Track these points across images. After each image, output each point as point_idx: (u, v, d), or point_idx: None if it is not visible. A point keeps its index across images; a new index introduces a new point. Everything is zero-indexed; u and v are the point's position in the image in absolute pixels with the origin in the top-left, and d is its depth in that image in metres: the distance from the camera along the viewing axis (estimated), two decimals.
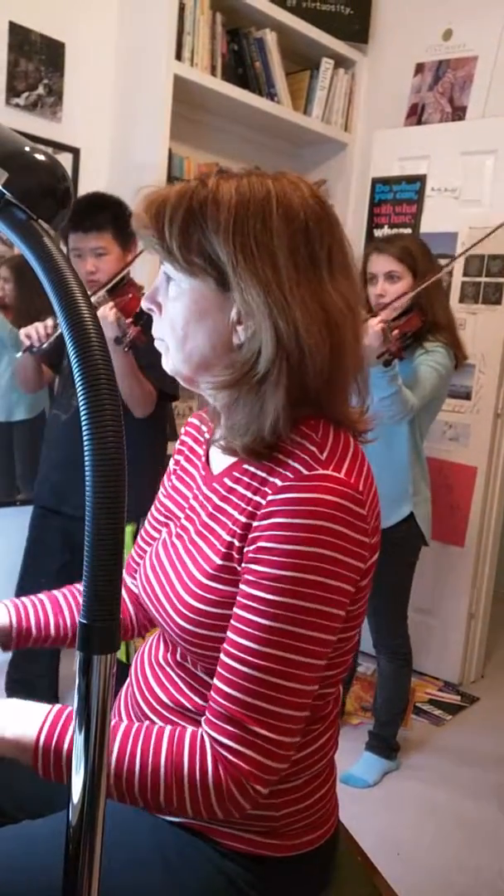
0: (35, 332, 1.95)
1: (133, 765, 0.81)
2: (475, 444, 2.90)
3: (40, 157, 0.58)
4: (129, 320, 1.87)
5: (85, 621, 0.53)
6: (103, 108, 2.70)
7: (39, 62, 2.49)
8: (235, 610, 0.84)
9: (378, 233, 3.10)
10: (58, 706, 0.86)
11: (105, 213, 2.02)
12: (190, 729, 0.85)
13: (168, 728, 0.85)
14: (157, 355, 0.94)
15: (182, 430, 1.11)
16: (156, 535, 1.07)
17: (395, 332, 2.02)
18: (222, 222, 0.81)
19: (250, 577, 0.83)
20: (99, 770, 0.58)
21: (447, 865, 1.96)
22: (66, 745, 0.81)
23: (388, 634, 2.32)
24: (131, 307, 1.91)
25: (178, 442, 1.10)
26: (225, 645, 0.84)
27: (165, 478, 1.09)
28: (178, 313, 0.88)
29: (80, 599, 0.54)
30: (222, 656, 0.84)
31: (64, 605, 1.09)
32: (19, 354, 2.04)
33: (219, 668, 0.84)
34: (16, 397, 2.64)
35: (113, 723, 0.85)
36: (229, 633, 0.84)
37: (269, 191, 0.83)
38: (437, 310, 2.19)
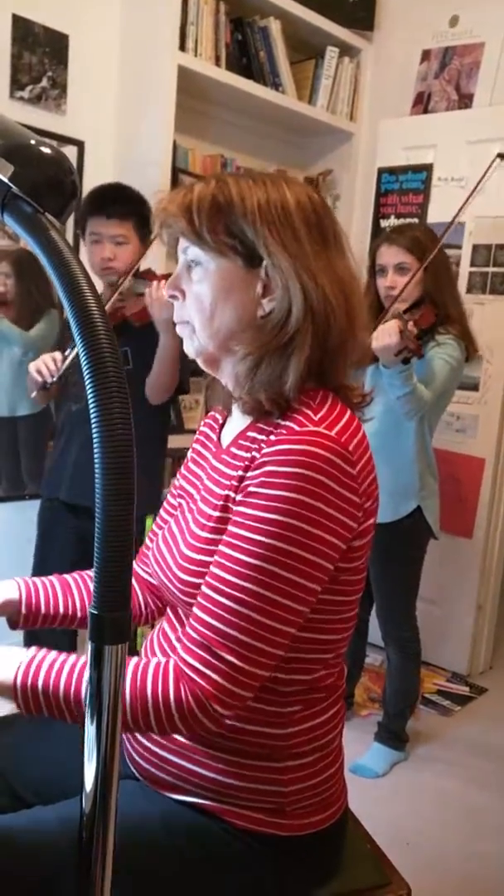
0: (45, 367, 1.93)
1: None
2: (483, 435, 2.89)
3: (46, 150, 0.58)
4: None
5: (96, 611, 0.54)
6: (107, 101, 2.70)
7: (43, 55, 2.49)
8: (220, 547, 0.89)
9: (384, 223, 3.08)
10: (34, 651, 0.91)
11: (130, 204, 2.04)
12: (155, 659, 0.90)
13: (133, 660, 0.89)
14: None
15: (202, 423, 1.17)
16: (168, 518, 1.11)
17: (412, 327, 2.00)
18: (248, 208, 0.92)
19: (237, 519, 0.89)
20: (111, 758, 0.59)
21: (456, 855, 1.97)
22: (39, 683, 0.87)
23: (396, 626, 2.32)
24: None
25: (197, 432, 1.16)
26: (207, 577, 0.89)
27: (182, 466, 1.15)
28: (205, 293, 0.96)
29: (91, 584, 0.55)
30: (203, 588, 0.89)
31: (73, 586, 1.13)
32: (34, 394, 1.99)
33: (199, 598, 0.89)
34: (19, 392, 2.64)
35: (73, 658, 0.90)
36: (212, 568, 0.89)
37: (282, 186, 0.95)
38: (449, 302, 2.18)
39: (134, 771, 1.01)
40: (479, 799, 2.22)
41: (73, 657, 0.90)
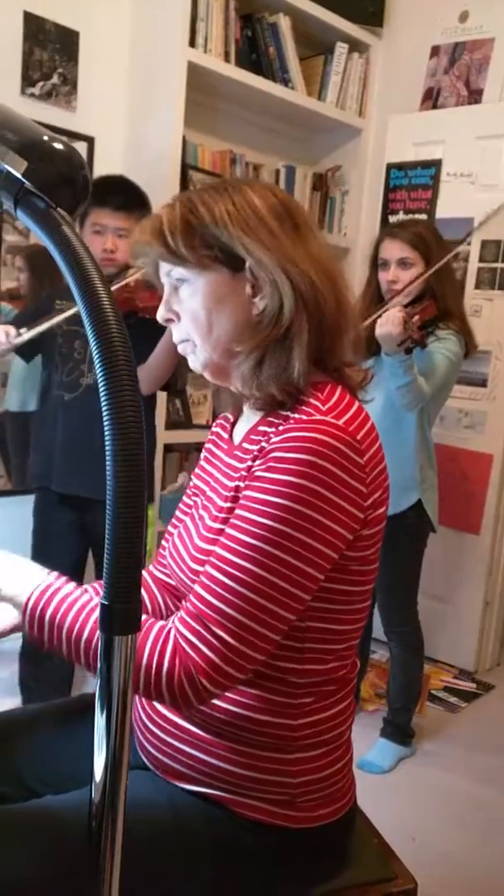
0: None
1: (93, 634, 0.88)
2: (491, 431, 2.89)
3: (59, 146, 0.59)
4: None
5: (106, 602, 0.54)
6: (117, 97, 2.70)
7: (54, 51, 2.49)
8: (226, 528, 0.91)
9: (393, 218, 3.08)
10: (53, 577, 0.96)
11: (135, 198, 2.03)
12: (160, 622, 0.92)
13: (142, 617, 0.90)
14: None
15: (213, 425, 1.18)
16: (184, 517, 1.12)
17: (416, 318, 2.01)
18: (218, 216, 0.93)
19: (243, 502, 0.90)
20: (120, 747, 0.60)
21: (462, 851, 1.98)
22: (49, 611, 0.91)
23: (397, 621, 2.33)
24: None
25: (210, 433, 1.17)
26: (211, 557, 0.91)
27: (197, 467, 1.16)
28: (198, 308, 0.97)
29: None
30: (206, 567, 0.91)
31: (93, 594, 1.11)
32: None
33: (201, 576, 0.91)
34: (30, 387, 2.65)
35: (86, 597, 0.92)
36: (216, 548, 0.91)
37: (245, 189, 0.97)
38: (449, 298, 2.18)
39: (144, 759, 1.02)
40: (485, 795, 2.22)
41: (86, 596, 0.92)
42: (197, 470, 1.16)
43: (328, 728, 0.98)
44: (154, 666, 0.87)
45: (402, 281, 2.14)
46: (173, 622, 0.90)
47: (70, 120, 2.56)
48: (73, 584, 0.95)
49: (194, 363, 1.02)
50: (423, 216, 2.99)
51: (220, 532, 0.93)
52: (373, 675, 2.75)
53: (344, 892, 0.99)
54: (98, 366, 0.52)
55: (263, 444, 0.94)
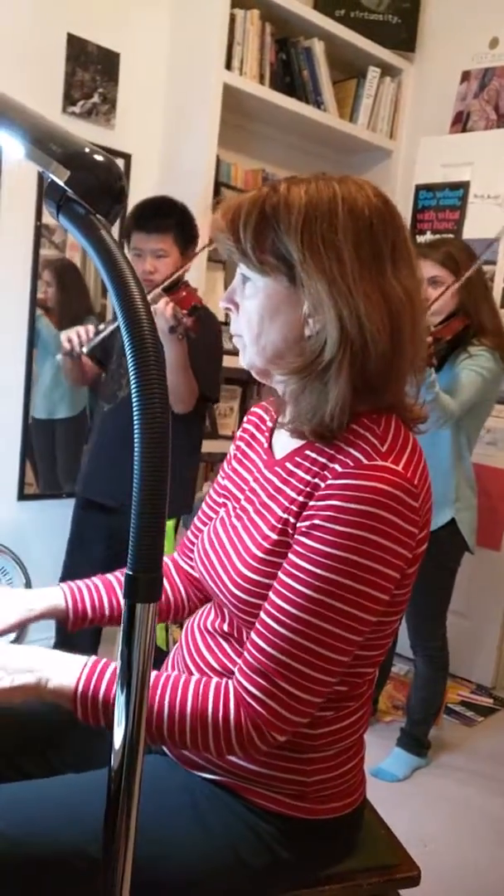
0: (76, 336, 2.02)
1: (161, 708, 0.88)
2: None
3: (99, 157, 0.64)
4: (184, 311, 1.95)
5: (130, 573, 0.59)
6: (154, 116, 2.80)
7: (95, 72, 2.59)
8: (280, 576, 0.90)
9: (420, 239, 3.12)
10: (94, 658, 0.93)
11: (169, 218, 2.10)
12: (214, 679, 0.92)
13: (194, 677, 0.92)
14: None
15: (245, 419, 1.18)
16: (213, 514, 1.13)
17: (429, 339, 2.03)
18: (293, 223, 0.88)
19: (300, 549, 0.89)
20: (139, 714, 0.63)
21: (474, 860, 1.98)
22: (101, 692, 0.89)
23: (425, 637, 2.34)
24: (185, 303, 1.99)
25: (240, 429, 1.17)
26: (266, 605, 0.90)
27: (225, 463, 1.16)
28: (253, 310, 0.95)
29: None
30: (262, 615, 0.91)
31: (116, 585, 1.16)
32: (59, 357, 2.13)
33: (257, 625, 0.91)
34: (58, 396, 2.74)
35: None
36: (271, 595, 0.90)
37: (336, 192, 0.90)
38: (483, 313, 2.18)
39: (162, 749, 1.06)
40: (499, 808, 2.22)
41: None
42: (227, 468, 1.14)
43: (344, 736, 1.01)
44: (221, 722, 0.88)
45: (433, 300, 2.14)
46: (234, 677, 0.91)
47: (109, 137, 2.66)
48: (115, 662, 0.89)
49: (242, 359, 1.01)
50: (450, 235, 3.03)
51: (266, 563, 0.93)
52: (391, 688, 2.76)
53: (350, 875, 1.03)
54: (127, 346, 0.56)
55: (318, 480, 0.91)
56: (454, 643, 2.45)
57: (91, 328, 2.04)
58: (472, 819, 2.17)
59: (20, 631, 1.13)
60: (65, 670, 0.91)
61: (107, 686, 0.89)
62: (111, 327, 2.02)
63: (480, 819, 2.17)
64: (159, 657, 1.05)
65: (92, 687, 0.89)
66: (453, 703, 2.82)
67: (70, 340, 2.03)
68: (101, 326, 2.05)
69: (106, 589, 1.15)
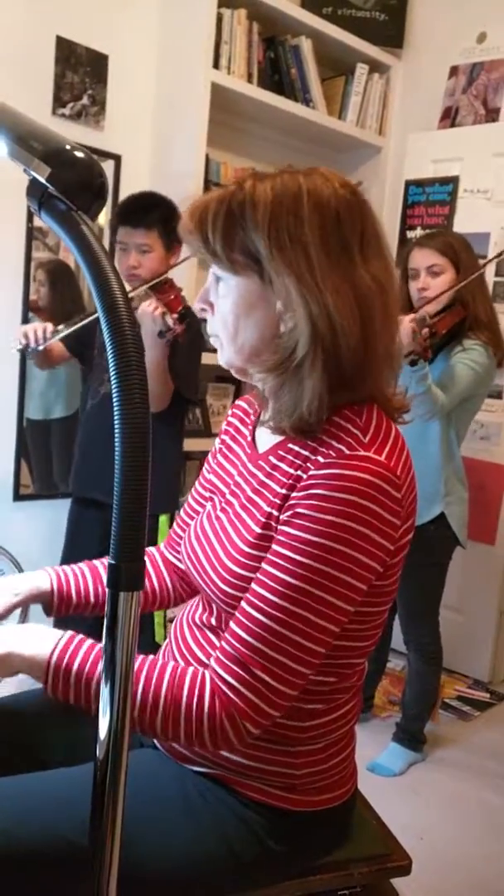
0: (33, 333, 2.00)
1: (135, 692, 0.87)
2: None
3: (80, 154, 0.64)
4: (175, 316, 1.94)
5: (113, 562, 0.60)
6: (144, 117, 2.80)
7: (84, 74, 2.60)
8: (263, 565, 0.90)
9: (411, 234, 3.14)
10: (70, 632, 0.93)
11: (155, 212, 2.09)
12: (191, 667, 0.92)
13: (171, 664, 0.92)
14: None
15: (229, 412, 1.18)
16: (199, 508, 1.13)
17: (425, 331, 2.04)
18: (259, 220, 0.88)
19: (282, 538, 0.89)
20: (124, 702, 0.63)
21: (469, 852, 1.99)
22: (74, 666, 0.88)
23: (416, 632, 2.35)
24: (174, 305, 1.98)
25: (224, 423, 1.17)
26: (247, 594, 0.90)
27: (210, 456, 1.17)
28: (228, 310, 0.95)
29: None
30: (242, 604, 0.90)
31: (103, 572, 1.16)
32: (13, 351, 2.08)
33: (237, 614, 0.91)
34: (53, 396, 2.75)
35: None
36: (253, 585, 0.90)
37: (301, 186, 0.91)
38: (479, 306, 2.19)
39: (152, 742, 1.07)
40: (495, 801, 2.24)
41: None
42: (211, 461, 1.15)
43: (333, 729, 1.01)
44: (195, 711, 0.86)
45: (433, 287, 2.15)
46: (210, 666, 0.90)
47: (98, 139, 2.66)
48: (91, 640, 0.92)
49: (220, 358, 1.01)
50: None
51: (252, 557, 0.93)
52: (386, 683, 2.77)
53: (341, 865, 1.03)
54: (105, 332, 0.56)
55: (300, 472, 0.91)
56: (450, 638, 2.46)
57: (50, 326, 2.01)
58: (469, 813, 2.18)
59: (21, 618, 1.13)
60: (39, 642, 0.91)
61: (81, 660, 0.88)
62: (75, 326, 2.00)
63: (477, 812, 2.18)
64: (156, 651, 1.06)
65: (66, 659, 0.89)
66: (450, 698, 2.83)
67: (27, 336, 2.01)
68: (61, 327, 2.03)
69: (92, 575, 1.15)
